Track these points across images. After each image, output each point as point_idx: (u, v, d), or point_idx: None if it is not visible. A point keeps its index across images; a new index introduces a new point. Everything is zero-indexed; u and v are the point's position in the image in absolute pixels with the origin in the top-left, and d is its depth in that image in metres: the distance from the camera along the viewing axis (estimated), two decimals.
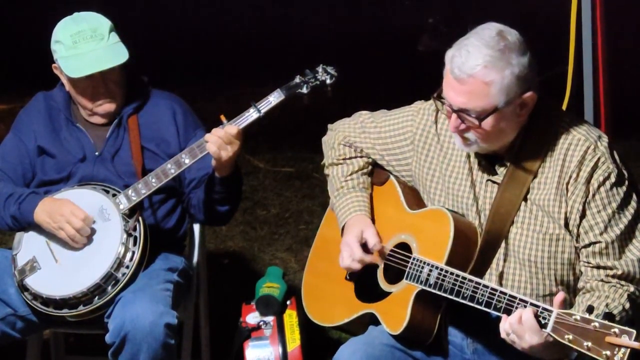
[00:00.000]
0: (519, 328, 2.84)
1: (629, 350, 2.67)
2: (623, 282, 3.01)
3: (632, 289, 3.00)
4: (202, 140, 3.59)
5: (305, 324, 4.04)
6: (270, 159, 6.37)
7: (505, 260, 3.10)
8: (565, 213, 3.03)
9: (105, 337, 3.50)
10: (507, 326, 2.87)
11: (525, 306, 2.87)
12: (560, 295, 2.85)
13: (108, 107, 3.75)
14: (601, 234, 3.01)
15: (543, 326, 2.82)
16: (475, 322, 3.12)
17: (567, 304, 2.98)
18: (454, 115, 3.02)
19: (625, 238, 3.02)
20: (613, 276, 3.01)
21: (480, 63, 2.94)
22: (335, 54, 4.52)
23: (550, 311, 2.81)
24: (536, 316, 2.82)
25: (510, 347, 2.94)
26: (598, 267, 3.02)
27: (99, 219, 3.61)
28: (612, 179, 3.01)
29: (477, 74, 2.94)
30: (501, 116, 2.99)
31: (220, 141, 3.48)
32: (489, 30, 3.00)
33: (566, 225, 3.04)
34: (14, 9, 8.62)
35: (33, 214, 3.62)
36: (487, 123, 2.98)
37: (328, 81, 3.64)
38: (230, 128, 3.51)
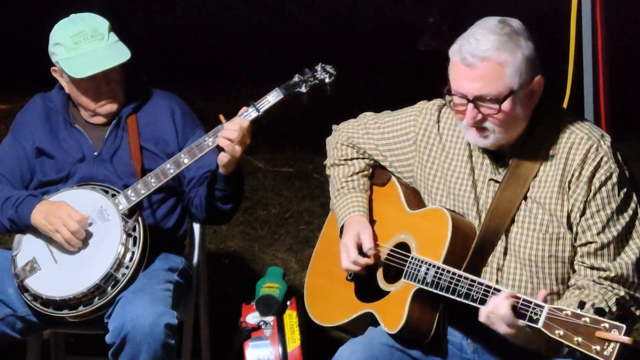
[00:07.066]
0: (492, 317, 2.88)
1: (618, 344, 2.68)
2: (615, 285, 3.00)
3: (622, 292, 3.00)
4: (201, 140, 3.59)
5: (306, 324, 4.04)
6: (270, 159, 6.37)
7: (505, 259, 3.10)
8: (568, 211, 3.03)
9: (106, 338, 3.49)
10: (487, 310, 2.90)
11: (517, 302, 2.87)
12: (543, 292, 2.87)
13: (110, 107, 3.75)
14: (598, 234, 3.01)
15: (535, 322, 2.82)
16: (475, 322, 3.12)
17: (560, 298, 3.02)
18: (469, 107, 2.99)
19: (621, 240, 3.02)
20: (606, 278, 3.01)
21: (490, 46, 2.95)
22: (335, 53, 4.52)
23: (542, 307, 2.82)
24: (525, 311, 2.84)
25: (510, 347, 2.94)
26: (592, 267, 3.02)
27: (98, 220, 3.61)
28: (614, 179, 3.01)
29: (490, 56, 2.95)
30: (517, 100, 2.98)
31: (236, 135, 3.47)
32: (490, 20, 3.03)
33: (568, 223, 3.04)
34: (13, 10, 8.63)
35: (30, 217, 3.61)
36: (505, 106, 2.97)
37: (327, 80, 3.63)
38: (244, 121, 3.50)
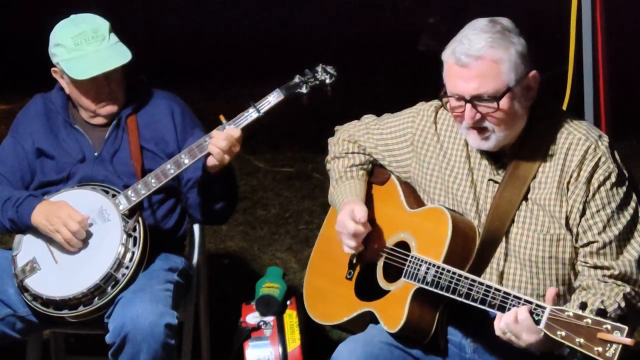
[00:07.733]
0: (515, 327, 2.84)
1: (620, 346, 2.67)
2: (620, 282, 3.00)
3: (628, 289, 3.00)
4: (202, 141, 3.59)
5: (306, 324, 4.04)
6: (270, 159, 6.37)
7: (505, 260, 3.10)
8: (567, 212, 3.03)
9: (106, 338, 3.49)
10: (503, 325, 2.86)
11: (519, 303, 2.87)
12: (552, 291, 2.85)
13: (110, 108, 3.75)
14: (599, 233, 3.01)
15: (536, 323, 2.82)
16: (475, 322, 3.12)
17: (561, 299, 3.02)
18: (467, 107, 3.00)
19: (623, 238, 3.02)
20: (610, 276, 3.01)
21: (484, 45, 2.96)
22: (335, 54, 4.52)
23: (544, 308, 2.81)
24: (530, 313, 2.82)
25: (510, 347, 2.94)
26: (595, 267, 3.02)
27: (98, 220, 3.61)
28: (613, 178, 3.01)
29: (485, 54, 2.95)
30: (514, 97, 2.99)
31: (225, 144, 3.48)
32: (480, 21, 3.04)
33: (567, 225, 3.04)
34: (13, 10, 8.62)
35: (30, 217, 3.61)
36: (504, 103, 2.98)
37: (327, 81, 3.63)
38: (234, 131, 3.51)
